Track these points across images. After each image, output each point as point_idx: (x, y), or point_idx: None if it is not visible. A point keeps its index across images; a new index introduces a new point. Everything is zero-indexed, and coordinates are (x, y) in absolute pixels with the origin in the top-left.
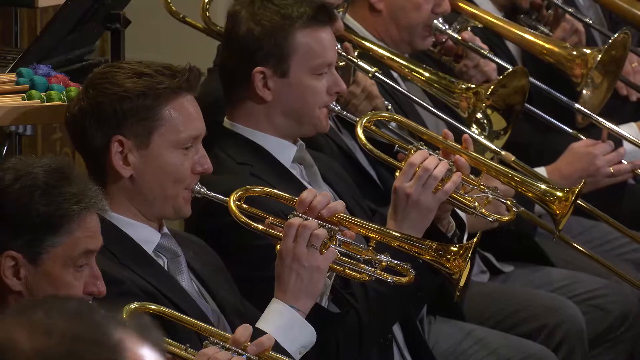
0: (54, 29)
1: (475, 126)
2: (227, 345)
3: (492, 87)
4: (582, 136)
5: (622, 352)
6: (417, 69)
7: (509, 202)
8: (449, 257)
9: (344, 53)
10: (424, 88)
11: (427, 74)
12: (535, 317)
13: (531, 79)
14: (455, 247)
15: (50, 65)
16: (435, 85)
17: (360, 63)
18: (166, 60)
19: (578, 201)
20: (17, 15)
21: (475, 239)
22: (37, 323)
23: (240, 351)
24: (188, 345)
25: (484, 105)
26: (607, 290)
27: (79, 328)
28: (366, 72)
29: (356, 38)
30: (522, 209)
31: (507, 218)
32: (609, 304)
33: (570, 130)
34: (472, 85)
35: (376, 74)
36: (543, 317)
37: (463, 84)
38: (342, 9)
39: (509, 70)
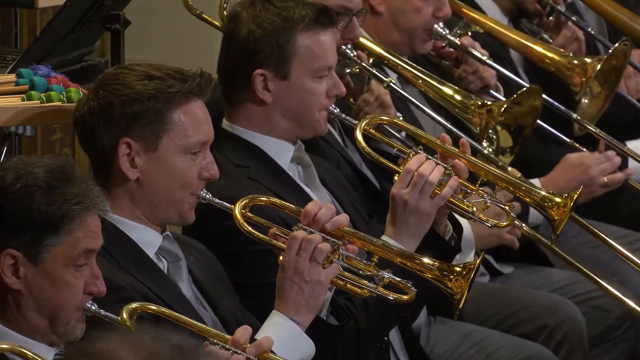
0: (54, 29)
1: (485, 141)
2: (227, 346)
3: (505, 105)
4: (578, 145)
5: (622, 352)
6: (432, 82)
7: (507, 207)
8: (451, 277)
9: (358, 61)
10: (439, 102)
11: (444, 88)
12: (535, 318)
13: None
14: (459, 267)
15: (50, 66)
16: (450, 100)
17: (375, 72)
18: (165, 61)
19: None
20: (17, 15)
21: (478, 260)
22: (143, 345)
23: (239, 351)
24: None
25: (494, 122)
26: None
27: (180, 358)
28: (381, 81)
29: (371, 46)
30: (524, 226)
31: (505, 223)
32: (609, 304)
33: (568, 140)
34: (488, 102)
35: (390, 84)
36: (543, 317)
37: (478, 100)
38: (361, 17)
39: (524, 89)
